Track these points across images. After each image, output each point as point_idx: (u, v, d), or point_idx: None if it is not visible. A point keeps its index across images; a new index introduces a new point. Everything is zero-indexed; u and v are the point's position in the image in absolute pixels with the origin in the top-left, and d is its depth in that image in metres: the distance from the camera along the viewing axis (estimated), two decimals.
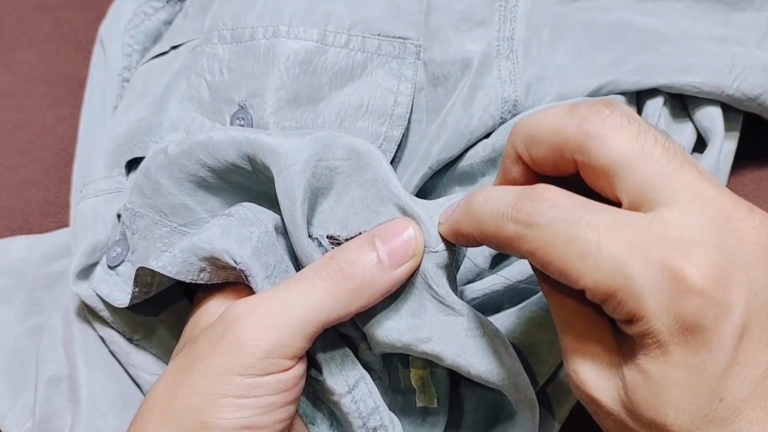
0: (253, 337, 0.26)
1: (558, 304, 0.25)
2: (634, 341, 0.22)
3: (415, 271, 0.28)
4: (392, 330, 0.29)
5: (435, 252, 0.28)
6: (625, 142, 0.22)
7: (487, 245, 0.25)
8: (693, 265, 0.21)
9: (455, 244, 0.29)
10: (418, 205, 0.29)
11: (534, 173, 0.26)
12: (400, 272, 0.28)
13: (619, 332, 0.24)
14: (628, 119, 0.23)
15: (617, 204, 0.23)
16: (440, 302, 0.29)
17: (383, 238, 0.28)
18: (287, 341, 0.26)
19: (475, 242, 0.26)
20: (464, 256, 0.30)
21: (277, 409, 0.26)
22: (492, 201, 0.24)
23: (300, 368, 0.27)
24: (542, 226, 0.22)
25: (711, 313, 0.21)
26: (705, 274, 0.21)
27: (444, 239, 0.28)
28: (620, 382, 0.23)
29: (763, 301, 0.21)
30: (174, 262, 0.30)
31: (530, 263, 0.26)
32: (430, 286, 0.29)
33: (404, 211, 0.29)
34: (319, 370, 0.29)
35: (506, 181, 0.27)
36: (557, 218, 0.22)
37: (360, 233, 0.29)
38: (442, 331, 0.28)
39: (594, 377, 0.24)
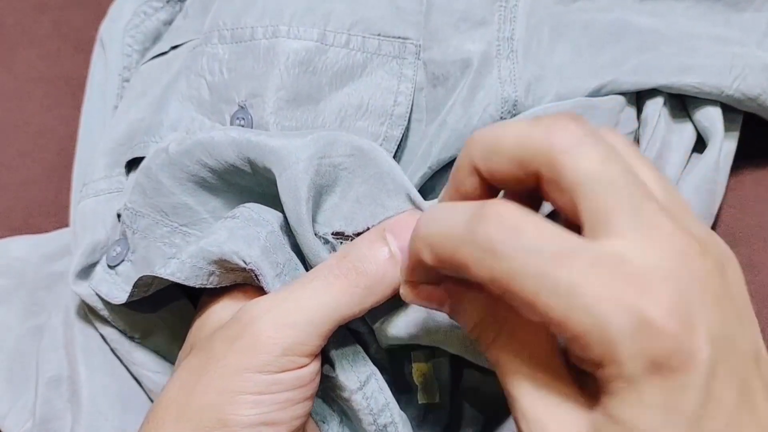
0: (270, 336, 0.26)
1: (509, 359, 0.23)
2: (601, 388, 0.21)
3: None
4: (400, 323, 0.29)
5: None
6: (594, 163, 0.21)
7: (438, 268, 0.23)
8: (660, 306, 0.20)
9: None
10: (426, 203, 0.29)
11: (490, 187, 0.24)
12: None
13: (583, 383, 0.22)
14: (596, 139, 0.22)
15: (576, 222, 0.22)
16: None
17: (394, 233, 0.28)
18: (304, 339, 0.26)
19: (423, 268, 0.24)
20: None
21: (293, 405, 0.27)
22: (443, 220, 0.22)
23: (315, 365, 0.27)
24: (503, 253, 0.20)
25: (681, 351, 0.20)
26: (672, 314, 0.20)
27: None
28: None
29: (723, 339, 0.21)
30: (182, 268, 0.30)
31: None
32: None
33: (414, 203, 0.29)
34: (332, 366, 0.29)
35: (458, 195, 0.25)
36: (521, 246, 0.20)
37: (367, 228, 0.29)
38: (449, 322, 0.29)
39: None
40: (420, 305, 0.26)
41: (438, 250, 0.22)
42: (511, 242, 0.20)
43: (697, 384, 0.20)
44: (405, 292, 0.26)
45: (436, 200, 0.30)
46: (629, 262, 0.20)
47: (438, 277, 0.25)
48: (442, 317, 0.29)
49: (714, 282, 0.21)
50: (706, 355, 0.20)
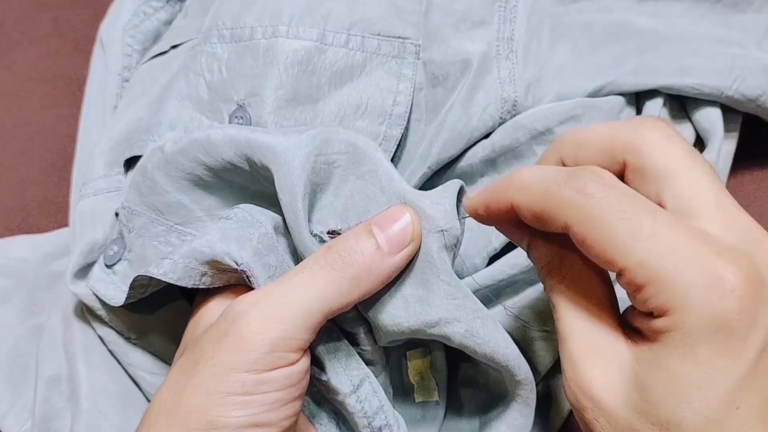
0: (257, 331, 0.26)
1: (567, 303, 0.25)
2: (653, 339, 0.23)
3: (418, 256, 0.29)
4: (400, 317, 0.29)
5: (441, 231, 0.29)
6: (681, 153, 0.24)
7: (523, 214, 0.25)
8: (736, 270, 0.21)
9: (459, 226, 0.29)
10: (419, 193, 0.29)
11: None
12: (399, 258, 0.28)
13: (628, 332, 0.24)
14: (682, 138, 0.25)
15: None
16: (447, 285, 0.29)
17: (380, 226, 0.28)
18: (291, 333, 0.26)
19: (506, 213, 0.26)
20: (460, 243, 0.30)
21: (283, 405, 0.26)
22: (545, 170, 0.25)
23: (305, 362, 0.27)
24: (599, 197, 0.23)
25: (745, 318, 0.21)
26: (746, 281, 0.21)
27: (458, 217, 0.29)
28: (630, 383, 0.23)
29: None
30: (175, 268, 0.30)
31: (531, 262, 0.27)
32: (437, 268, 0.29)
33: (404, 199, 0.29)
34: (323, 370, 0.29)
35: None
36: (616, 194, 0.23)
37: (359, 223, 0.29)
38: (449, 313, 0.29)
39: (601, 378, 0.24)
40: (503, 232, 0.28)
41: (533, 191, 0.25)
42: (608, 189, 0.23)
43: (750, 353, 0.21)
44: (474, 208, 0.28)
45: (427, 192, 0.30)
46: (711, 235, 0.23)
47: (504, 222, 0.27)
48: (439, 306, 0.29)
49: None
50: (766, 327, 0.22)
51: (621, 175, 0.25)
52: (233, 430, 0.25)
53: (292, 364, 0.27)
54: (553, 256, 0.26)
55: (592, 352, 0.24)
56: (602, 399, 0.24)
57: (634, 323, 0.24)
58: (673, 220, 0.22)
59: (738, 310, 0.21)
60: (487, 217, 0.27)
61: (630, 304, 0.24)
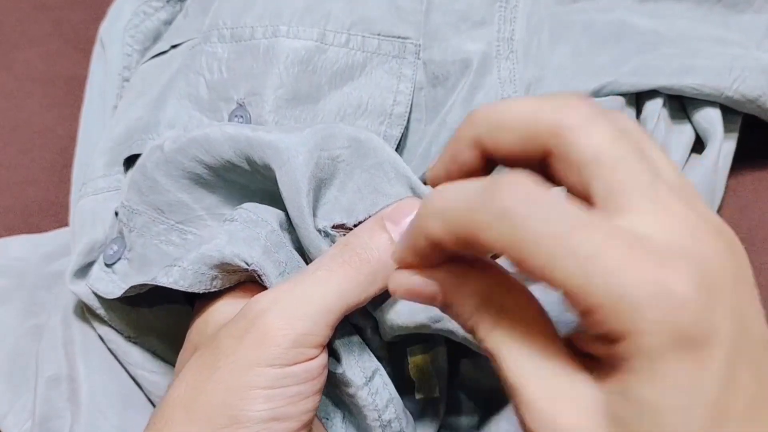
0: (280, 327, 0.26)
1: (511, 344, 0.22)
2: (616, 368, 0.20)
3: None
4: (405, 312, 0.29)
5: None
6: (606, 140, 0.21)
7: (448, 245, 0.22)
8: (681, 277, 0.19)
9: None
10: (425, 186, 0.29)
11: (488, 162, 0.23)
12: None
13: (583, 360, 0.21)
14: (607, 118, 0.21)
15: (584, 197, 0.21)
16: None
17: (393, 220, 0.28)
18: (312, 330, 0.26)
19: (437, 254, 0.23)
20: None
21: (303, 399, 0.27)
22: (457, 192, 0.21)
23: (324, 357, 0.27)
24: (522, 218, 0.19)
25: (707, 326, 0.19)
26: (693, 286, 0.19)
27: None
28: (607, 423, 0.20)
29: (740, 321, 0.20)
30: (185, 275, 0.30)
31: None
32: None
33: (414, 190, 0.29)
34: (339, 361, 0.29)
35: (454, 164, 0.24)
36: (540, 210, 0.20)
37: (368, 217, 0.29)
38: None
39: (573, 424, 0.20)
40: (410, 300, 0.24)
41: (451, 219, 0.21)
42: (528, 208, 0.19)
43: (720, 362, 0.19)
44: (395, 285, 0.24)
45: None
46: (647, 237, 0.20)
47: (437, 258, 0.24)
48: None
49: (728, 264, 0.21)
50: (729, 331, 0.20)
51: (546, 161, 0.22)
52: (256, 424, 0.25)
53: (312, 359, 0.27)
54: (483, 296, 0.23)
55: (556, 397, 0.21)
56: None
57: (589, 349, 0.21)
58: (612, 232, 0.20)
59: (693, 319, 0.19)
60: (423, 261, 0.24)
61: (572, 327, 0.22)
